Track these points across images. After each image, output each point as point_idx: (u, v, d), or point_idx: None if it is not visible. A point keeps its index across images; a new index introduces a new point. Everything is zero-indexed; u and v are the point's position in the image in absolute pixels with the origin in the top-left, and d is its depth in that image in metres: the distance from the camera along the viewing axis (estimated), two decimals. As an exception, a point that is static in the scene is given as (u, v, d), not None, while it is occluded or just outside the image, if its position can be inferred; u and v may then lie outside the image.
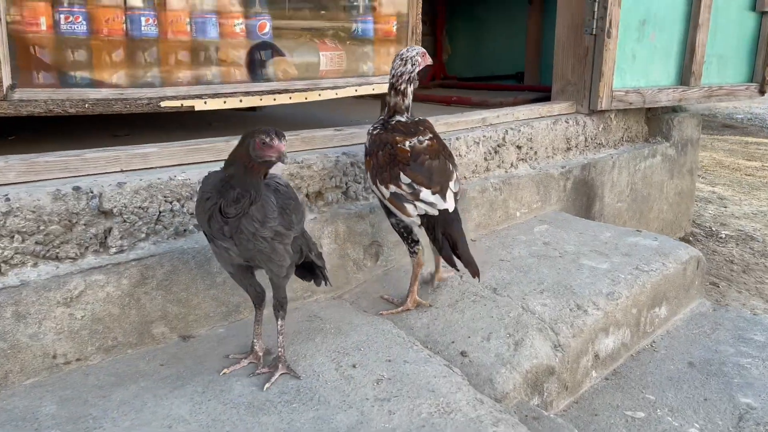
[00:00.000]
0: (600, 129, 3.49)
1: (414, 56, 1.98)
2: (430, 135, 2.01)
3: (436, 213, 1.88)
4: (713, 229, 4.60)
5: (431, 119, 2.72)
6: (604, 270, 2.36)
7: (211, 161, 2.00)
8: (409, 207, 1.88)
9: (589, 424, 1.92)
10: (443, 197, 1.89)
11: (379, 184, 1.93)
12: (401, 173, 1.89)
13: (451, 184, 1.94)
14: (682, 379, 2.13)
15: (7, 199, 1.55)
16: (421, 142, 1.96)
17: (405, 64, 1.97)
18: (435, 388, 1.62)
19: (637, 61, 3.51)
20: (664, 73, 3.71)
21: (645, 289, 2.32)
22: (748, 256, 4.14)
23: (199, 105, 2.01)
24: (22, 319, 1.54)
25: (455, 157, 2.21)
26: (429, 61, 2.05)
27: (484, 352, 1.88)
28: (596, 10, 3.24)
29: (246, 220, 1.48)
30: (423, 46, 5.28)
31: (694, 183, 4.31)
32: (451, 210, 1.90)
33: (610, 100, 3.37)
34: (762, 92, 4.26)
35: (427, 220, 1.89)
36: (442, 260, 2.11)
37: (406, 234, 2.04)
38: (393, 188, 1.90)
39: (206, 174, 1.54)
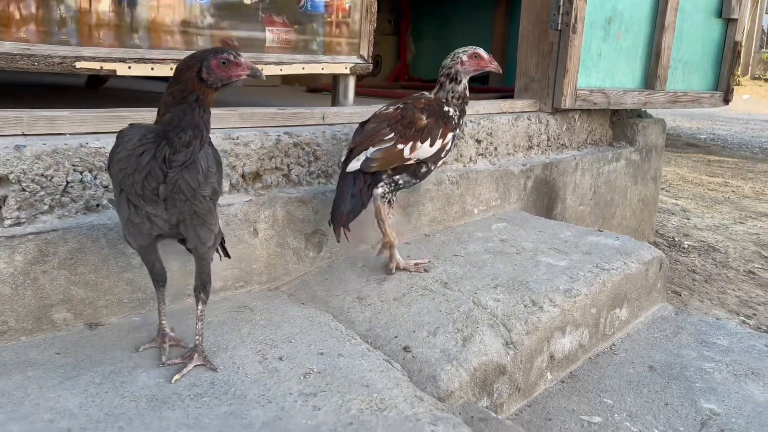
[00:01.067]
0: (563, 129, 3.37)
1: (458, 53, 2.04)
2: (402, 105, 2.02)
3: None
4: (676, 239, 4.52)
5: (384, 107, 2.57)
6: (562, 267, 2.22)
7: (133, 132, 1.80)
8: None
9: (542, 428, 1.75)
10: (349, 156, 1.92)
11: None
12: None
13: (371, 149, 1.90)
14: (642, 383, 1.98)
15: None
16: (386, 109, 2.02)
17: (447, 58, 2.05)
18: (370, 383, 1.44)
19: (602, 60, 3.41)
20: (630, 75, 3.62)
21: (605, 288, 2.18)
22: (711, 266, 4.06)
23: (122, 69, 1.81)
24: None
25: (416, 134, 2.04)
26: (476, 62, 2.05)
27: (429, 348, 1.71)
28: (561, 4, 3.13)
29: (188, 174, 1.28)
30: (386, 46, 5.15)
31: (658, 190, 4.22)
32: (347, 170, 1.90)
33: (574, 99, 3.25)
34: (726, 101, 4.20)
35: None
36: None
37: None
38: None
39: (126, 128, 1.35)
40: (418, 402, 1.41)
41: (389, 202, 2.03)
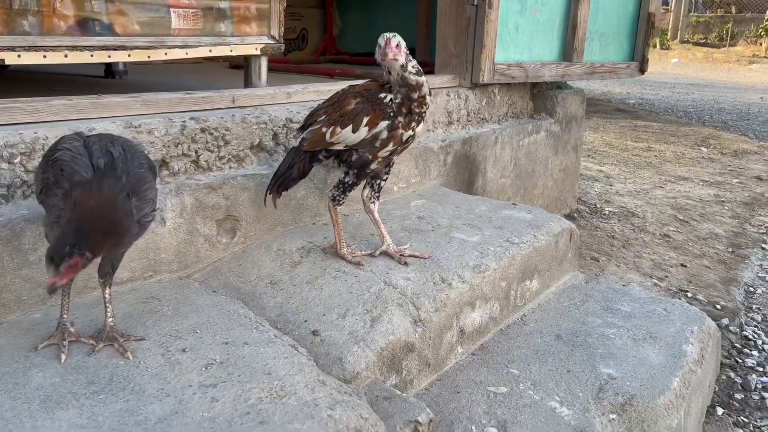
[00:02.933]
0: (483, 103, 3.43)
1: (379, 41, 1.86)
2: (346, 87, 2.06)
3: None
4: (598, 206, 4.69)
5: (299, 86, 2.56)
6: (474, 243, 2.28)
7: (26, 122, 1.74)
8: None
9: (450, 402, 1.82)
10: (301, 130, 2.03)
11: None
12: None
13: (308, 128, 1.99)
14: (547, 352, 2.08)
15: None
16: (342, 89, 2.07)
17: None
18: (272, 370, 1.47)
19: (520, 34, 3.46)
20: (547, 49, 3.69)
21: (514, 262, 2.25)
22: (629, 231, 4.23)
23: (11, 58, 1.74)
24: None
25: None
26: (379, 53, 1.85)
27: (338, 330, 1.75)
28: (477, -21, 3.15)
29: (145, 218, 1.41)
30: (312, 19, 5.09)
31: (579, 160, 4.35)
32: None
33: (492, 74, 3.30)
34: (642, 71, 4.34)
35: None
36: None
37: None
38: None
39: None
40: (320, 386, 1.44)
41: (338, 198, 2.05)
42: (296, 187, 2.29)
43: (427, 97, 1.95)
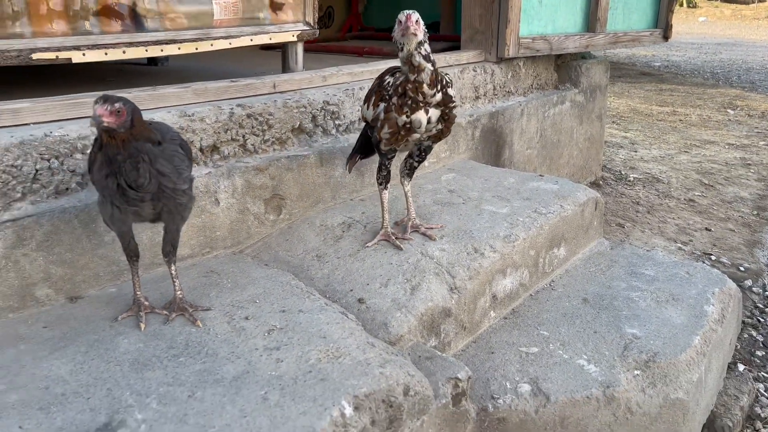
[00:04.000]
0: (509, 77, 3.53)
1: (399, 17, 1.88)
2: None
3: None
4: (623, 172, 4.77)
5: (334, 69, 2.70)
6: (503, 214, 2.42)
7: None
8: None
9: (485, 361, 1.99)
10: None
11: None
12: None
13: None
14: (575, 315, 2.22)
15: None
16: None
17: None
18: (327, 334, 1.64)
19: (543, 8, 3.54)
20: (571, 20, 3.76)
21: (542, 231, 2.39)
22: (653, 197, 4.32)
23: (77, 57, 1.91)
24: None
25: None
26: (412, 25, 1.82)
27: (381, 298, 1.91)
28: (501, -45, 3.23)
29: (164, 179, 1.49)
30: (337, -6, 5.14)
31: (603, 128, 4.43)
32: None
33: (517, 48, 3.40)
34: (666, 38, 4.38)
35: None
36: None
37: None
38: None
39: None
40: (370, 348, 1.61)
41: (377, 176, 2.17)
42: (334, 165, 2.45)
43: (425, 86, 1.89)
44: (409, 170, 2.24)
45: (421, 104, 1.94)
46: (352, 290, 1.96)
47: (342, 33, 5.06)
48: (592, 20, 3.83)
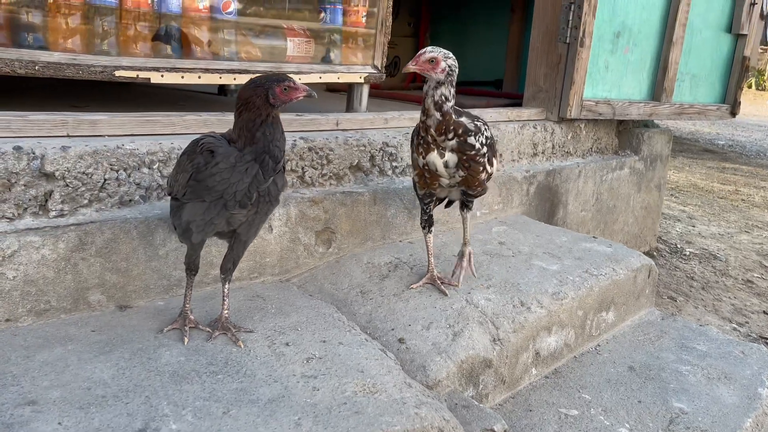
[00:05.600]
0: (569, 137, 3.52)
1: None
2: None
3: None
4: (678, 246, 4.65)
5: (396, 113, 2.75)
6: (553, 271, 2.38)
7: (164, 133, 1.99)
8: None
9: (522, 418, 1.93)
10: None
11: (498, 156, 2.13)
12: None
13: None
14: (620, 382, 2.15)
15: (-56, 153, 1.54)
16: None
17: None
18: (365, 369, 1.63)
19: (609, 73, 3.55)
20: (636, 87, 3.75)
21: (592, 293, 2.34)
22: (710, 274, 4.19)
23: (155, 78, 2.01)
24: (-50, 273, 1.53)
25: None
26: (415, 62, 1.86)
27: (422, 340, 1.89)
28: (571, 19, 3.27)
29: (278, 179, 1.60)
30: (405, 48, 5.31)
31: (662, 198, 4.35)
32: None
33: (579, 109, 3.40)
34: (733, 114, 4.32)
35: None
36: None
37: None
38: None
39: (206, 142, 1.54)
40: (407, 388, 1.59)
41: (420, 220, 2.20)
42: (387, 205, 2.47)
43: (432, 129, 1.89)
44: (424, 215, 2.20)
45: (432, 146, 1.94)
46: (393, 329, 1.94)
47: (406, 83, 5.16)
48: (658, 89, 3.81)
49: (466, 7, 5.16)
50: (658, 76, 3.80)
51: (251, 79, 1.54)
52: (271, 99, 1.49)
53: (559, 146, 3.48)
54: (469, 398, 1.79)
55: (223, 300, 1.73)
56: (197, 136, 1.99)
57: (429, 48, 1.87)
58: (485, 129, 1.99)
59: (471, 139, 1.92)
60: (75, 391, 1.40)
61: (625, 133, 3.97)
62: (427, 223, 2.19)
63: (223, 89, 3.46)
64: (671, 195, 6.23)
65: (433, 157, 1.96)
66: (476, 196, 2.14)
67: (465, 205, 2.20)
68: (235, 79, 2.22)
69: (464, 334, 1.94)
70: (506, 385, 2.03)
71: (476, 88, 4.82)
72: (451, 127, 1.89)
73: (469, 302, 2.09)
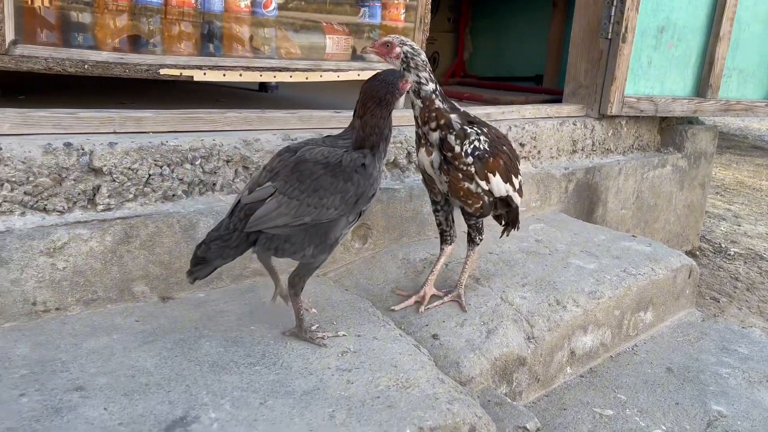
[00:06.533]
0: (609, 134, 3.48)
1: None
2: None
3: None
4: (722, 245, 4.54)
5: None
6: (590, 270, 2.36)
7: (206, 130, 2.04)
8: (524, 188, 2.07)
9: (556, 417, 1.93)
10: None
11: (513, 179, 1.96)
12: (518, 163, 2.01)
13: None
14: (657, 383, 2.12)
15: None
16: None
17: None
18: (398, 364, 1.65)
19: (652, 68, 3.49)
20: (680, 83, 3.68)
21: (630, 292, 2.32)
22: (755, 275, 4.08)
23: (198, 75, 2.06)
24: (4, 264, 1.60)
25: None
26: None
27: (456, 337, 1.90)
28: (613, 14, 3.23)
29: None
30: (444, 43, 5.30)
31: (705, 197, 4.25)
32: None
33: (620, 106, 3.35)
34: (782, 110, 4.19)
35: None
36: None
37: (480, 225, 2.04)
38: (520, 177, 2.00)
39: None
40: (440, 383, 1.61)
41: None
42: (423, 201, 2.48)
43: (418, 120, 1.88)
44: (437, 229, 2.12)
45: (422, 140, 1.92)
46: (427, 325, 1.96)
47: (445, 78, 5.16)
48: (703, 85, 3.72)
49: (506, 2, 5.12)
50: (703, 71, 3.71)
51: (375, 76, 1.62)
52: (398, 94, 1.60)
53: (599, 143, 3.43)
54: (502, 395, 1.80)
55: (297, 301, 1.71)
56: (239, 132, 2.05)
57: (393, 36, 1.85)
58: (476, 138, 1.85)
59: (450, 138, 1.84)
60: (120, 379, 1.45)
61: (668, 129, 3.89)
62: (440, 235, 2.08)
63: (264, 85, 3.51)
64: (716, 193, 6.08)
65: (422, 154, 1.92)
66: (474, 216, 1.98)
67: (469, 236, 2.06)
68: (275, 76, 2.26)
69: (498, 331, 1.94)
70: (540, 384, 2.03)
71: (516, 83, 4.80)
72: (434, 114, 1.85)
73: (504, 300, 2.10)
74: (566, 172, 3.13)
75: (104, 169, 1.77)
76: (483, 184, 1.88)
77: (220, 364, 1.55)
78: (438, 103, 1.84)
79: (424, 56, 1.82)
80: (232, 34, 2.17)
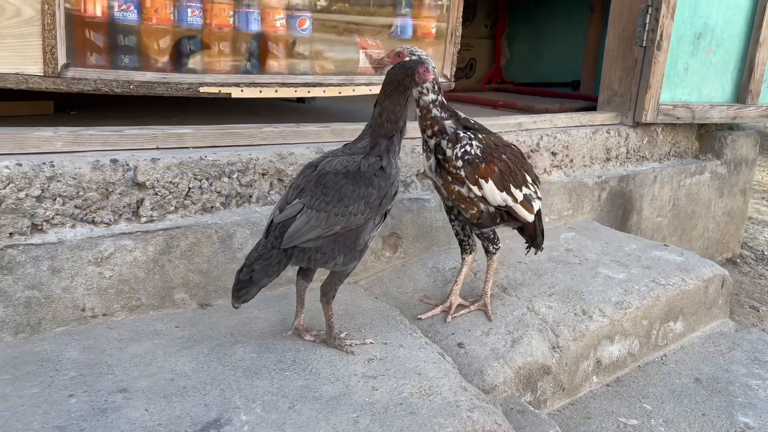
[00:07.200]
0: (644, 142, 3.46)
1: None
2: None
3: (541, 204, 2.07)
4: (766, 253, 4.45)
5: (464, 120, 2.81)
6: (619, 280, 2.38)
7: (243, 144, 2.15)
8: (535, 205, 2.01)
9: (580, 425, 1.96)
10: None
11: (513, 189, 1.95)
12: (526, 174, 2.00)
13: None
14: (684, 394, 2.14)
15: (52, 166, 1.74)
16: None
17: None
18: (422, 371, 1.71)
19: (689, 75, 3.46)
20: (719, 89, 3.64)
21: (659, 302, 2.33)
22: (798, 283, 4.00)
23: (236, 92, 2.16)
24: (56, 273, 1.73)
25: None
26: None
27: (481, 346, 1.96)
28: (648, 21, 3.22)
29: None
30: (481, 49, 5.32)
31: (747, 204, 4.18)
32: None
33: (655, 113, 3.34)
34: (827, 115, 4.09)
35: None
36: None
37: (493, 235, 2.05)
38: (525, 190, 1.98)
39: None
40: (462, 391, 1.66)
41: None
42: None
43: (420, 127, 1.95)
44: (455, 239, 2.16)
45: (424, 147, 2.00)
46: (453, 333, 2.02)
47: (482, 84, 5.19)
48: (743, 91, 3.67)
49: (544, 7, 5.12)
50: (743, 77, 3.66)
51: (398, 63, 1.72)
52: (416, 78, 1.66)
53: (634, 151, 3.43)
54: (525, 403, 1.84)
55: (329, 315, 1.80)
56: (274, 146, 2.14)
57: (406, 46, 1.94)
58: (468, 142, 1.90)
59: (443, 142, 1.92)
60: (160, 382, 1.56)
61: (707, 136, 3.85)
62: (459, 245, 2.13)
63: (300, 98, 3.62)
64: (762, 198, 5.94)
65: (424, 159, 2.01)
66: (473, 223, 2.00)
67: (484, 247, 2.09)
68: (309, 92, 2.35)
69: (523, 340, 1.99)
70: (565, 392, 2.07)
71: (552, 89, 4.80)
72: (429, 122, 1.92)
73: (530, 309, 2.14)
74: (599, 180, 3.14)
75: (147, 183, 1.89)
76: (475, 189, 1.91)
77: (252, 369, 1.65)
78: (434, 111, 1.91)
79: (432, 66, 1.89)
80: (268, 52, 2.27)
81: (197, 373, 1.61)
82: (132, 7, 1.97)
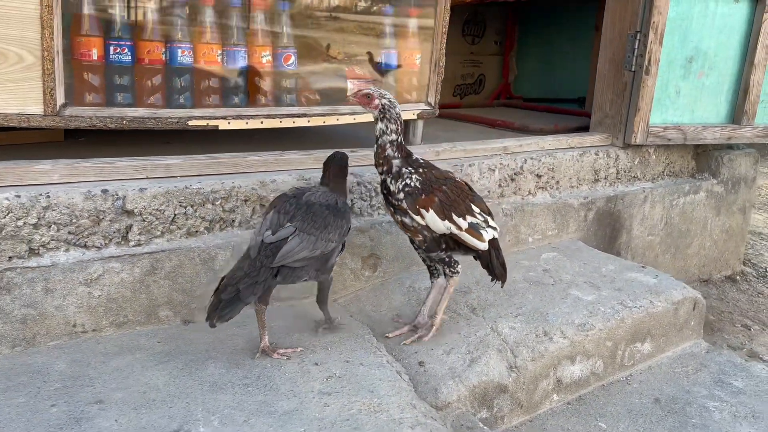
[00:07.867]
0: (635, 162, 3.54)
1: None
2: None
3: (497, 235, 2.18)
4: (768, 270, 4.46)
5: (448, 145, 2.95)
6: (587, 301, 2.49)
7: (227, 173, 2.33)
8: (484, 233, 2.12)
9: (533, 442, 2.08)
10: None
11: (455, 218, 2.07)
12: (472, 204, 2.13)
13: None
14: (641, 413, 2.23)
15: (48, 196, 1.94)
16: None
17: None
18: (375, 389, 1.86)
19: (681, 98, 3.53)
20: (713, 111, 3.68)
21: (624, 324, 2.43)
22: (797, 302, 4.00)
23: (223, 125, 2.35)
24: (50, 292, 1.93)
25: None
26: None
27: (440, 365, 2.09)
28: (636, 47, 3.31)
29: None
30: (490, 66, 5.43)
31: (747, 222, 4.20)
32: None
33: (645, 135, 3.42)
34: (829, 134, 4.08)
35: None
36: None
37: (448, 259, 2.17)
38: (470, 219, 2.10)
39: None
40: (410, 408, 1.80)
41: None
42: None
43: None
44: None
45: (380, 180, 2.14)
46: (416, 352, 2.16)
47: (490, 100, 5.30)
48: (738, 112, 3.71)
49: (553, 25, 5.20)
50: (738, 99, 3.71)
51: (339, 153, 2.14)
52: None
53: (625, 171, 3.51)
54: (476, 420, 1.97)
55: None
56: (257, 174, 2.32)
57: (373, 87, 2.07)
58: (408, 177, 2.04)
59: (388, 179, 2.06)
60: (133, 394, 1.74)
61: (704, 155, 3.90)
62: (428, 269, 2.26)
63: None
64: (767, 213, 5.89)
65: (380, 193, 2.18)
66: (422, 249, 2.15)
67: (442, 270, 2.22)
68: (294, 122, 2.52)
69: (481, 360, 2.12)
70: (524, 409, 2.19)
71: (559, 105, 4.88)
72: (381, 161, 2.06)
73: (494, 330, 2.26)
74: (585, 201, 3.24)
75: (135, 210, 2.08)
76: (418, 219, 2.03)
77: (219, 384, 1.82)
78: (389, 151, 2.05)
79: (398, 109, 2.03)
80: (255, 86, 2.45)
81: (168, 387, 1.79)
82: (126, 50, 2.17)
